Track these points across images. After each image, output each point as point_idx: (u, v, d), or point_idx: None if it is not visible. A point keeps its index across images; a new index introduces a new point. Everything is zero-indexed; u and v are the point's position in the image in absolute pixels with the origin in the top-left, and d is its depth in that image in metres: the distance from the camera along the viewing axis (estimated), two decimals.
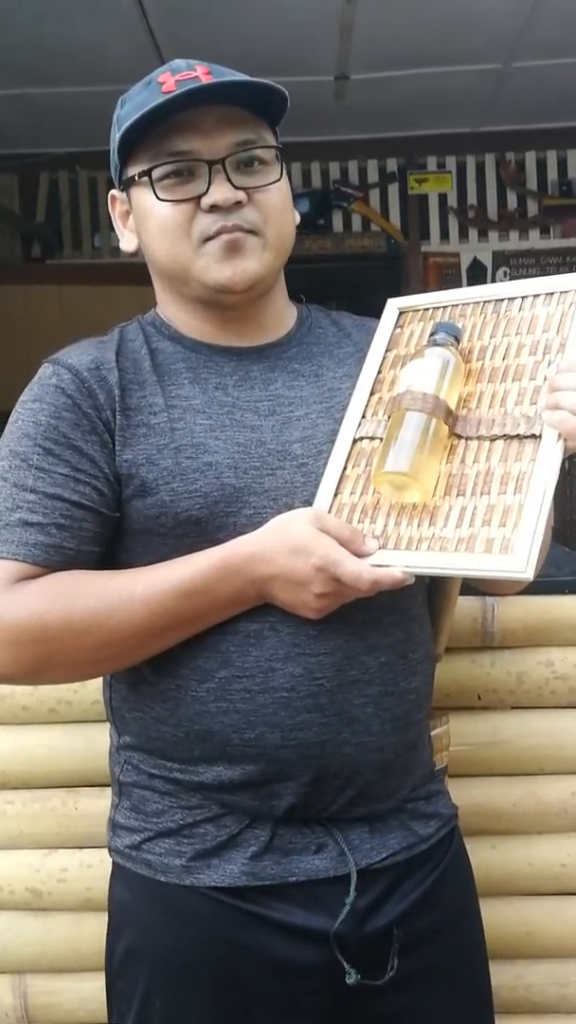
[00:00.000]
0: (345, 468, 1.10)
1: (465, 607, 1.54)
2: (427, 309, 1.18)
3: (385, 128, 4.48)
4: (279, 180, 1.14)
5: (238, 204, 1.10)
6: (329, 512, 1.07)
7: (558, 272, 4.63)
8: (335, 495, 1.08)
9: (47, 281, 4.38)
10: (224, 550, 1.05)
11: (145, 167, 1.11)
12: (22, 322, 4.21)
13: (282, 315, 1.22)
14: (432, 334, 1.10)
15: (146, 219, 1.13)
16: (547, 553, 1.22)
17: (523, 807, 1.55)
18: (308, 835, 1.12)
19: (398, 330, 1.18)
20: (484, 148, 4.64)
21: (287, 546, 1.02)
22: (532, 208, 4.67)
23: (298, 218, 1.21)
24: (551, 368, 1.05)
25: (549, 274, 4.60)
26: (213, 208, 1.09)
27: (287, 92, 1.12)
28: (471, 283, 4.65)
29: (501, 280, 4.66)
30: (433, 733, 1.30)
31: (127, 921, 1.16)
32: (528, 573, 0.96)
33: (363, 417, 1.12)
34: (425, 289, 4.67)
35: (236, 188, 1.09)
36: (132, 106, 1.13)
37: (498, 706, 1.56)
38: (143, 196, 1.13)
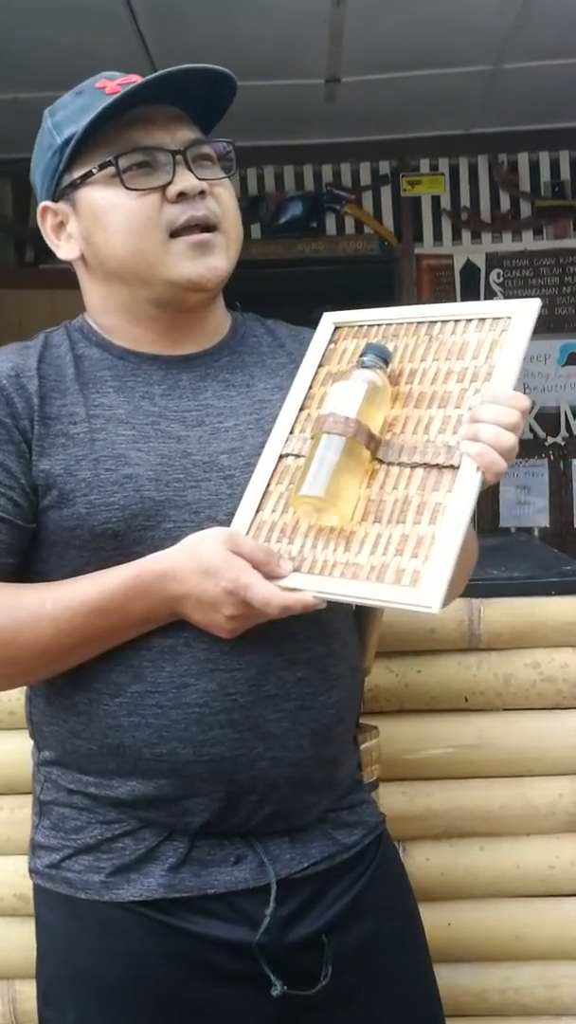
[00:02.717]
0: (269, 484, 1.09)
1: (451, 609, 1.54)
2: (362, 326, 1.16)
3: (377, 130, 4.47)
4: (229, 176, 1.15)
5: (202, 194, 1.10)
6: (249, 530, 1.06)
7: (551, 273, 4.66)
8: (256, 511, 1.07)
9: (40, 286, 4.37)
10: (135, 568, 1.04)
11: (102, 161, 1.10)
12: (14, 326, 4.20)
13: (219, 323, 1.21)
14: (362, 355, 1.09)
15: (105, 216, 1.11)
16: (466, 582, 1.22)
17: (511, 809, 1.56)
18: (227, 847, 1.11)
19: (332, 346, 1.16)
20: (477, 150, 4.63)
21: (199, 567, 1.01)
22: (525, 209, 4.66)
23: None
24: (475, 397, 1.03)
25: (543, 275, 4.66)
26: (180, 197, 1.09)
27: (237, 82, 1.12)
28: (465, 285, 4.65)
29: (495, 282, 4.66)
30: (362, 747, 1.29)
31: (52, 946, 1.14)
32: (435, 608, 0.95)
33: (291, 433, 1.11)
34: (419, 292, 4.67)
35: (198, 179, 1.10)
36: (72, 111, 1.12)
37: (485, 708, 1.57)
38: (99, 193, 1.11)
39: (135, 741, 1.08)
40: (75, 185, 1.12)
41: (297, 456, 1.09)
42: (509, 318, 1.06)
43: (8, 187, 4.70)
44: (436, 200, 4.67)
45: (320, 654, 1.12)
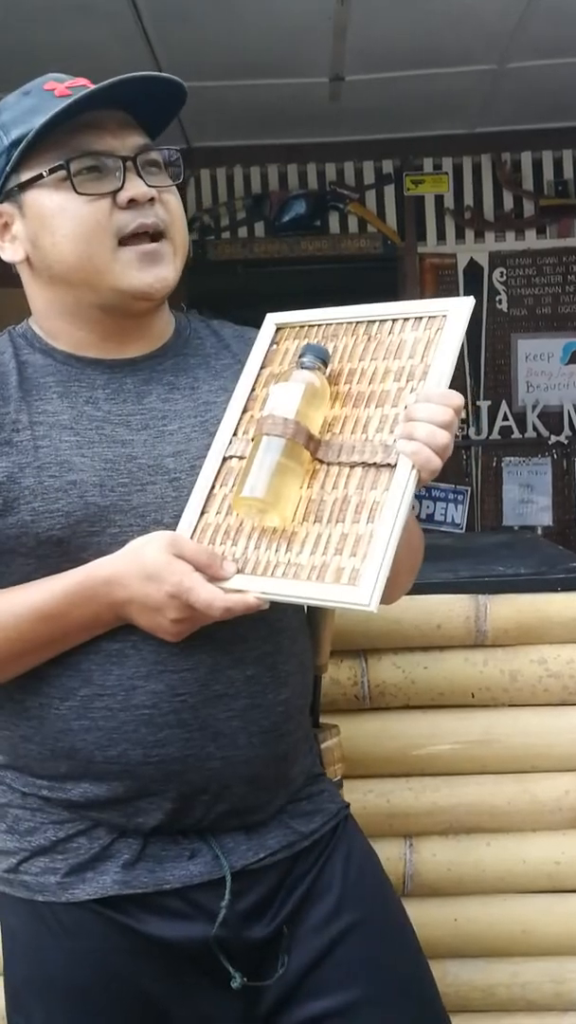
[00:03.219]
0: (213, 487, 1.09)
1: (458, 606, 1.55)
2: (303, 326, 1.16)
3: (381, 129, 4.47)
4: (176, 183, 1.14)
5: (151, 201, 1.09)
6: (194, 533, 1.06)
7: (555, 272, 4.66)
8: (201, 514, 1.08)
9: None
10: (80, 574, 1.05)
11: (52, 165, 1.08)
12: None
13: (164, 327, 1.21)
14: (300, 355, 1.09)
15: (53, 220, 1.09)
16: (412, 579, 1.23)
17: (517, 805, 1.56)
18: (181, 842, 1.11)
19: (274, 347, 1.16)
20: (480, 149, 4.64)
21: (142, 572, 1.01)
22: (528, 209, 4.66)
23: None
24: (411, 396, 1.04)
25: (547, 274, 4.67)
26: (130, 204, 1.08)
27: (186, 89, 1.12)
28: (468, 284, 4.66)
29: (498, 281, 4.66)
30: (323, 746, 1.30)
31: (14, 951, 1.14)
32: (372, 606, 0.96)
33: (234, 435, 1.11)
34: (422, 291, 4.67)
35: (148, 186, 1.09)
36: (20, 111, 1.11)
37: (491, 704, 1.57)
38: (49, 196, 1.09)
39: (86, 744, 1.08)
40: (23, 187, 1.11)
41: (240, 458, 1.09)
42: (444, 316, 1.06)
43: None
44: (440, 199, 4.67)
45: (269, 652, 1.13)
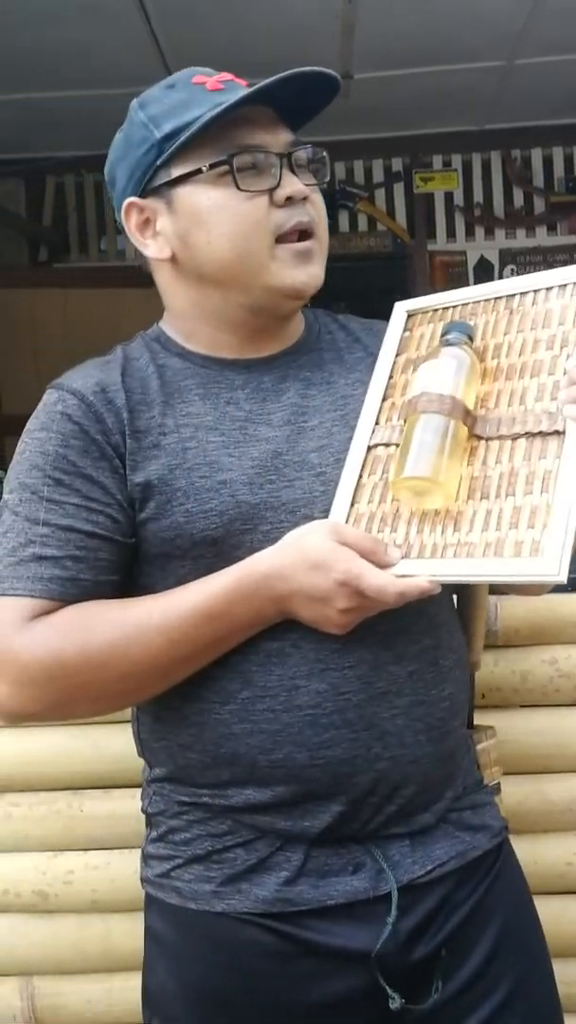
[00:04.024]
0: (360, 477, 1.07)
1: None
2: (436, 310, 1.15)
3: (390, 127, 4.47)
4: (324, 183, 1.13)
5: (304, 199, 1.08)
6: (346, 523, 1.04)
7: None
8: (352, 505, 1.05)
9: (53, 285, 4.39)
10: (239, 570, 1.03)
11: (212, 160, 1.06)
12: (28, 325, 4.22)
13: (297, 323, 1.20)
14: (444, 334, 1.08)
15: (211, 216, 1.08)
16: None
17: (528, 805, 1.55)
18: (344, 855, 1.07)
19: (407, 333, 1.16)
20: (490, 146, 4.63)
21: (306, 562, 0.99)
22: (539, 205, 4.66)
23: None
24: (570, 361, 1.01)
25: None
26: (287, 202, 1.07)
27: (340, 83, 1.11)
28: (478, 281, 4.64)
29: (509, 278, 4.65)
30: (479, 747, 1.26)
31: (160, 955, 1.12)
32: (561, 575, 0.92)
33: (376, 424, 1.10)
34: (432, 288, 4.65)
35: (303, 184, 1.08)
36: (169, 105, 1.09)
37: (502, 705, 1.56)
38: (206, 192, 1.07)
39: (249, 748, 1.06)
40: (173, 183, 1.09)
41: (387, 445, 1.07)
42: None
43: (22, 187, 4.71)
44: (449, 196, 4.67)
45: (430, 646, 1.10)
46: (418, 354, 1.13)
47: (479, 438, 1.03)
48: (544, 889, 1.56)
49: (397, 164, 4.70)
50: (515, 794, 1.55)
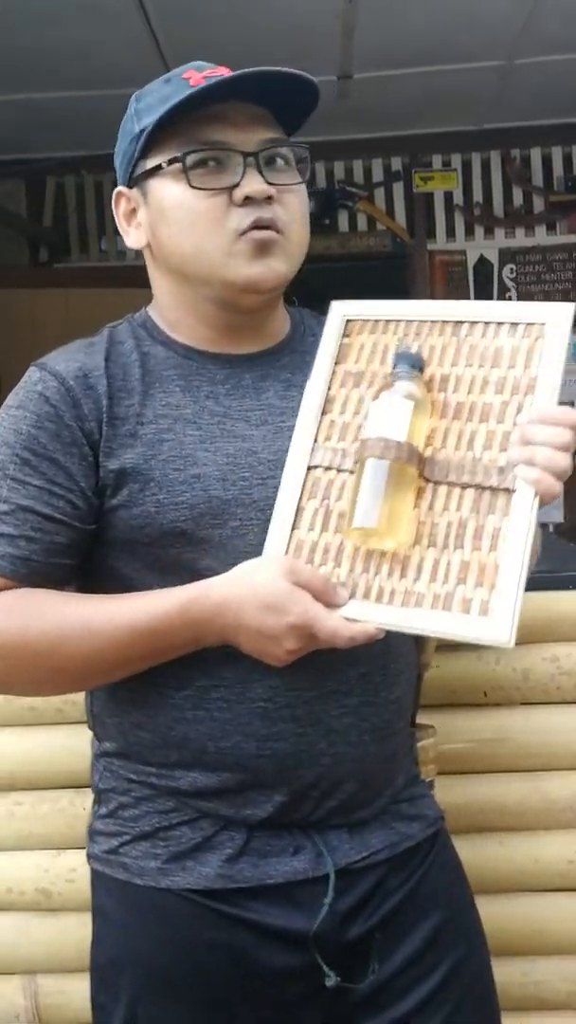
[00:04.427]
0: (300, 499, 1.05)
1: None
2: (378, 321, 1.10)
3: (389, 127, 4.47)
4: (303, 182, 1.13)
5: (269, 200, 1.08)
6: (287, 550, 1.03)
7: (565, 268, 4.65)
8: (293, 529, 1.04)
9: (53, 285, 4.39)
10: (187, 596, 1.03)
11: (175, 154, 1.08)
12: (28, 326, 4.22)
13: (280, 324, 1.20)
14: (395, 364, 1.04)
15: (172, 211, 1.10)
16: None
17: (529, 803, 1.56)
18: (285, 838, 1.11)
19: (346, 340, 1.11)
20: (489, 145, 4.63)
21: (258, 600, 0.99)
22: (538, 204, 4.65)
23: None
24: (521, 415, 1.00)
25: (556, 270, 4.65)
26: (246, 201, 1.07)
27: (319, 88, 1.10)
28: (478, 280, 4.65)
29: (508, 277, 4.65)
30: (419, 745, 1.29)
31: (107, 930, 1.15)
32: (511, 643, 0.93)
33: (315, 442, 1.07)
34: (432, 288, 4.66)
35: (267, 183, 1.08)
36: (155, 99, 1.11)
37: (504, 702, 1.57)
38: (168, 187, 1.09)
39: (199, 734, 1.09)
40: (147, 175, 1.11)
41: (328, 469, 1.05)
42: (543, 324, 1.03)
43: (22, 187, 4.71)
44: (449, 196, 4.67)
45: (381, 651, 1.11)
46: (357, 368, 1.09)
47: (427, 480, 1.02)
48: (545, 887, 1.57)
49: (397, 163, 4.70)
50: (516, 792, 1.56)
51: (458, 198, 4.66)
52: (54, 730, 1.52)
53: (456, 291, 4.64)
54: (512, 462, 0.98)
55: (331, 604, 0.99)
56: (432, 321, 1.08)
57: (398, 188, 4.69)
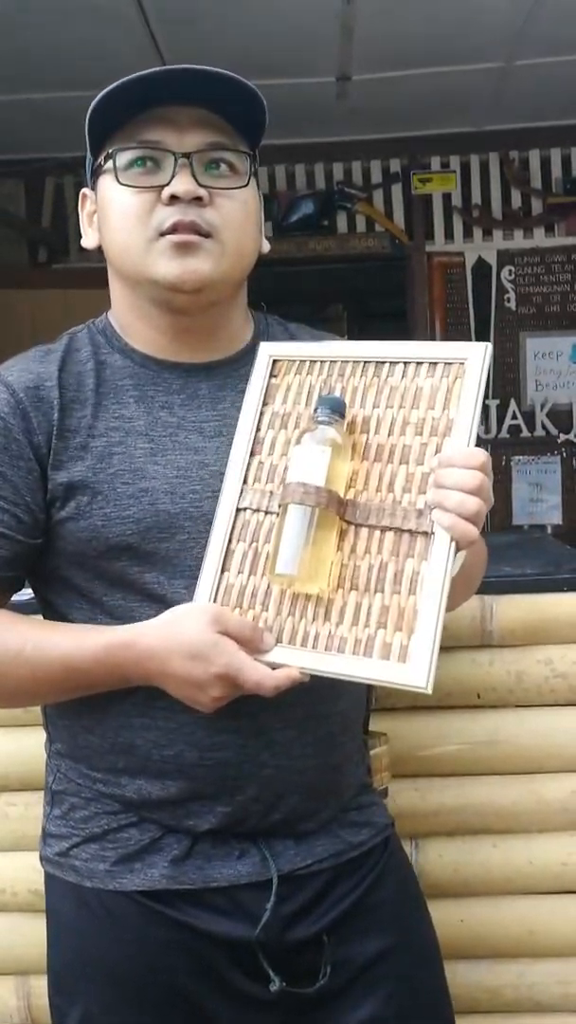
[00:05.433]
0: (230, 542, 1.05)
1: (464, 606, 1.54)
2: (303, 361, 1.11)
3: (388, 128, 4.46)
4: (245, 187, 1.11)
5: (198, 201, 1.07)
6: (216, 594, 1.04)
7: (563, 270, 4.65)
8: (222, 572, 1.05)
9: (53, 286, 4.38)
10: (112, 641, 1.04)
11: (107, 152, 1.10)
12: (28, 327, 4.21)
13: (238, 331, 1.19)
14: (315, 410, 1.05)
15: (106, 208, 1.11)
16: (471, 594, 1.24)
17: (523, 806, 1.56)
18: (231, 842, 1.11)
19: (274, 380, 1.12)
20: (488, 147, 4.62)
21: (184, 650, 1.00)
22: (536, 206, 4.65)
23: (267, 246, 1.18)
24: (435, 460, 1.00)
25: (555, 272, 4.65)
26: (172, 200, 1.07)
27: (265, 102, 1.10)
28: (476, 282, 4.64)
29: (507, 279, 4.65)
30: (372, 753, 1.30)
31: (60, 933, 1.16)
32: (429, 688, 0.94)
33: (244, 483, 1.07)
34: (430, 289, 4.66)
35: (200, 185, 1.07)
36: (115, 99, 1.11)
37: (498, 705, 1.57)
38: (107, 185, 1.11)
39: (145, 741, 1.10)
40: (95, 174, 1.13)
41: (256, 511, 1.06)
42: (462, 363, 1.03)
43: (21, 187, 4.71)
44: (447, 197, 4.66)
45: None
46: (284, 409, 1.10)
47: (349, 523, 1.03)
48: (539, 889, 1.57)
49: (395, 165, 4.69)
50: (510, 794, 1.56)
51: (456, 200, 4.65)
52: None
53: (455, 293, 4.65)
54: (429, 505, 0.99)
55: (257, 651, 1.00)
56: (355, 361, 1.09)
57: (397, 190, 4.68)
